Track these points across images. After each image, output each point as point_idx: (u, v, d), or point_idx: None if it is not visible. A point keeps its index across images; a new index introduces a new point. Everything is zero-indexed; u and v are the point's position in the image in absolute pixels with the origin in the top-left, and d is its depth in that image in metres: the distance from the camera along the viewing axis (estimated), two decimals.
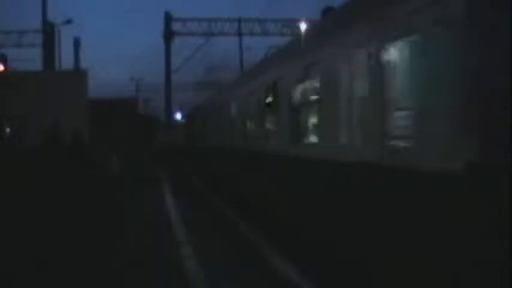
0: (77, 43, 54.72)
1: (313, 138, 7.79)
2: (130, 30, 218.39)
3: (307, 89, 7.93)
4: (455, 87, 4.17)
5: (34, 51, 45.64)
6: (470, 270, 3.98)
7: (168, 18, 39.94)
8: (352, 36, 6.07)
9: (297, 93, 8.33)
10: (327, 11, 13.79)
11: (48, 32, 34.33)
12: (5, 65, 27.67)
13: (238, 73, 32.63)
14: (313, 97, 7.60)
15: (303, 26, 24.48)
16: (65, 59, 74.61)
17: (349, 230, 6.09)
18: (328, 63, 6.85)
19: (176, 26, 39.99)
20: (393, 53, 5.20)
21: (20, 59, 36.28)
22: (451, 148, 4.23)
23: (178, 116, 51.27)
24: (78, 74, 30.65)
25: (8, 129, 25.58)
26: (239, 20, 40.03)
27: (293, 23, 37.46)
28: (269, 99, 10.07)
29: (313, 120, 7.78)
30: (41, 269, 7.33)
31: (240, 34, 40.40)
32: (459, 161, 4.06)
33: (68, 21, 36.67)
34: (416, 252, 4.65)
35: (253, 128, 11.96)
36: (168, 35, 39.89)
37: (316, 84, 7.35)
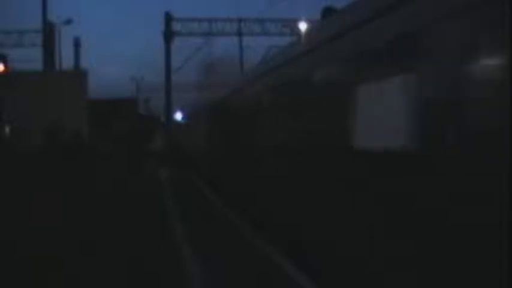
0: (77, 43, 54.74)
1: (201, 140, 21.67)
2: (130, 30, 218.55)
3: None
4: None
5: (34, 51, 45.49)
6: None
7: (168, 18, 39.89)
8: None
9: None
10: (327, 11, 13.76)
11: (48, 32, 34.32)
12: (5, 65, 27.66)
13: (239, 73, 32.62)
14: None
15: (303, 26, 24.47)
16: (65, 59, 74.39)
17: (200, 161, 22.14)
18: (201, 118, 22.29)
19: (176, 26, 39.97)
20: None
21: (20, 59, 36.27)
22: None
23: (178, 116, 51.18)
24: (78, 74, 30.72)
25: (7, 129, 25.59)
26: (239, 20, 39.97)
27: (293, 23, 37.38)
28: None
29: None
30: (40, 268, 7.35)
31: (240, 34, 40.35)
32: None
33: (68, 21, 36.68)
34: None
35: (196, 137, 24.89)
36: (168, 35, 39.87)
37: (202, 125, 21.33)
